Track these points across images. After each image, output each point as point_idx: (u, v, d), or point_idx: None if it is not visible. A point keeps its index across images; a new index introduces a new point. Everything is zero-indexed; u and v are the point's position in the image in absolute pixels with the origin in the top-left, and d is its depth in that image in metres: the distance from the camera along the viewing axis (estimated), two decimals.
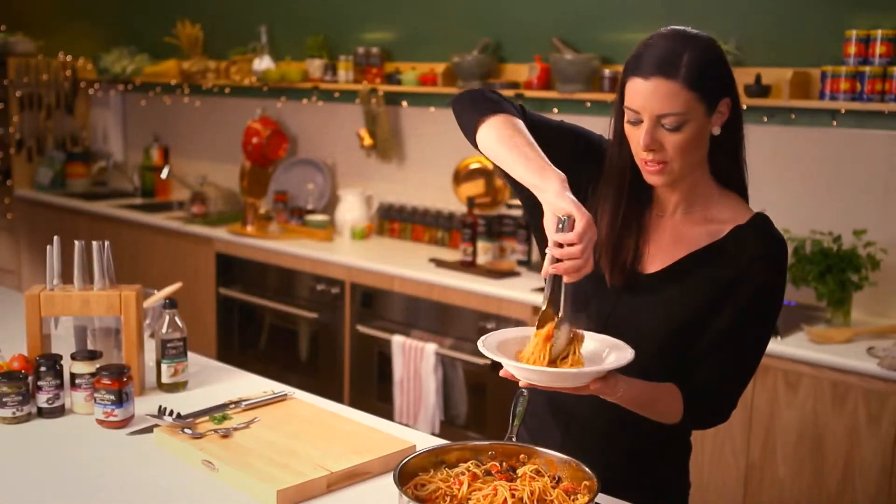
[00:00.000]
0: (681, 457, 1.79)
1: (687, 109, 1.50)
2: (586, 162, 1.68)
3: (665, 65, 1.49)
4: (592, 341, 1.55)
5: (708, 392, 1.61)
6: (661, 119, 1.51)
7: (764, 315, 1.61)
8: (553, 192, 1.44)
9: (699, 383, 1.60)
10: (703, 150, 1.58)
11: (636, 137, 1.55)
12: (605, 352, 1.54)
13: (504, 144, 1.56)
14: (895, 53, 2.98)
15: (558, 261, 1.42)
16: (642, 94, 1.51)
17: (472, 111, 1.65)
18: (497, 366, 1.51)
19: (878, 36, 2.98)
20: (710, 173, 1.64)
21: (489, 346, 1.51)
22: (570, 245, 1.40)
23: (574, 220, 1.40)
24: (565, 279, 1.44)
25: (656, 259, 1.65)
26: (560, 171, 1.47)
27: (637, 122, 1.54)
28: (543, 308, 1.47)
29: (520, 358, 1.50)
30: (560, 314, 1.46)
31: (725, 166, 1.64)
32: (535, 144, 1.55)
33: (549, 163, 1.50)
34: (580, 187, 1.67)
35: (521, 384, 1.50)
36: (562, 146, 1.65)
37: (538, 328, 1.48)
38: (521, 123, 1.60)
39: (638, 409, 1.58)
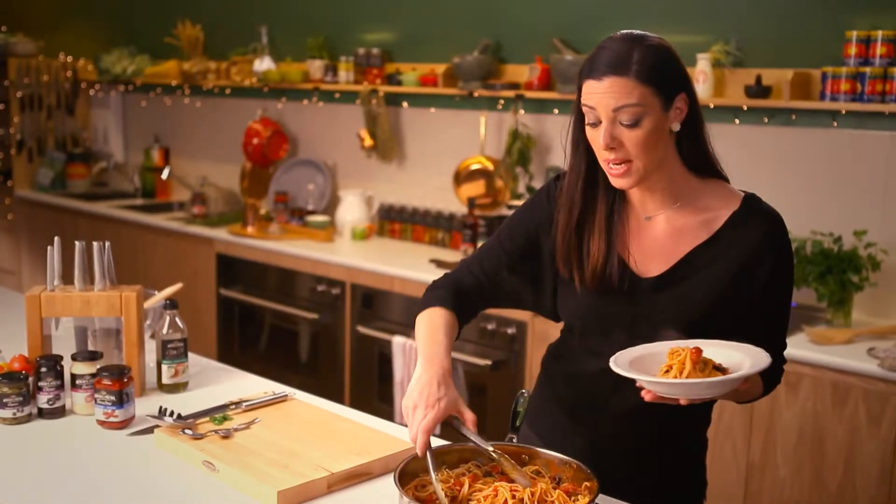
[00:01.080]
0: (701, 452, 1.81)
1: (641, 101, 1.52)
2: (550, 215, 1.73)
3: (616, 64, 1.52)
4: (721, 349, 1.55)
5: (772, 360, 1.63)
6: (618, 114, 1.53)
7: (786, 282, 1.67)
8: (414, 378, 1.58)
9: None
10: (664, 146, 1.59)
11: (597, 139, 1.57)
12: (736, 356, 1.54)
13: (417, 337, 1.69)
14: (895, 54, 2.98)
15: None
16: (597, 93, 1.54)
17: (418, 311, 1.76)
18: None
19: (878, 37, 2.98)
20: (685, 168, 1.66)
21: (624, 366, 1.51)
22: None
23: None
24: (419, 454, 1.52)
25: (658, 260, 1.65)
26: (438, 363, 1.58)
27: (596, 123, 1.56)
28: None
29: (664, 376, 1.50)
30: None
31: (696, 160, 1.66)
32: (437, 332, 1.66)
33: (435, 353, 1.61)
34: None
35: (682, 400, 1.49)
36: (521, 252, 1.76)
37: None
38: (435, 315, 1.70)
39: (744, 397, 1.65)
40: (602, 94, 1.53)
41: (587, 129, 1.59)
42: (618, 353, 1.55)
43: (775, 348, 1.65)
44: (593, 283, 1.65)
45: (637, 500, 1.65)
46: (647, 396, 1.49)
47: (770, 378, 1.70)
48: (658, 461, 1.73)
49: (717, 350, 1.53)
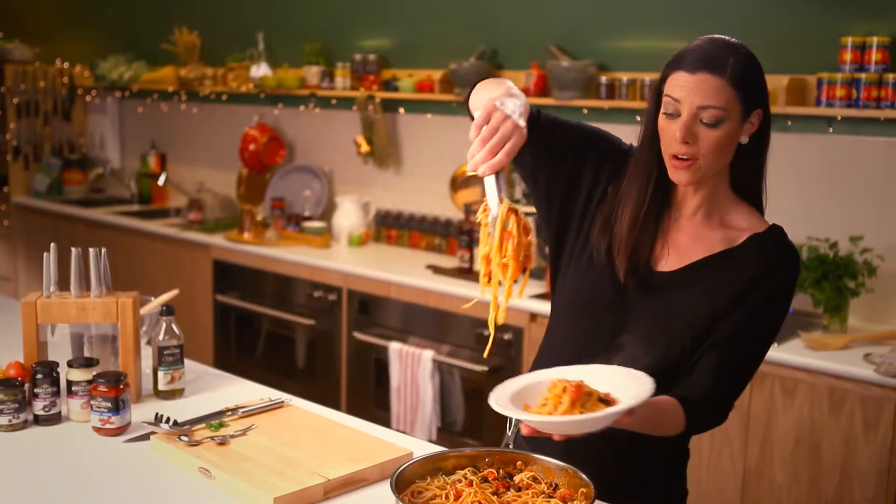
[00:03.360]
0: (679, 463, 1.79)
1: (727, 106, 1.53)
2: (609, 162, 1.71)
3: (712, 62, 1.53)
4: (604, 374, 1.53)
5: (708, 397, 1.62)
6: (701, 112, 1.53)
7: (769, 320, 1.63)
8: (503, 91, 1.54)
9: (699, 389, 1.61)
10: (730, 155, 1.60)
11: (671, 130, 1.56)
12: (620, 383, 1.51)
13: (478, 89, 1.68)
14: (891, 60, 2.99)
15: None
16: (686, 86, 1.53)
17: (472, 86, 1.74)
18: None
19: (873, 43, 2.99)
20: (729, 183, 1.66)
21: (502, 402, 1.46)
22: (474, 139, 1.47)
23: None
24: (479, 172, 1.50)
25: (673, 258, 1.67)
26: (507, 82, 1.57)
27: (675, 115, 1.56)
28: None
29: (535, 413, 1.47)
30: (496, 205, 1.50)
31: (745, 178, 1.66)
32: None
33: (518, 90, 1.59)
34: (598, 186, 1.71)
35: (554, 437, 1.46)
36: (584, 146, 1.71)
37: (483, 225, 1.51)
38: (507, 81, 1.67)
39: (649, 431, 1.58)
40: (691, 88, 1.53)
41: (661, 118, 1.58)
42: (498, 388, 1.51)
43: (725, 386, 1.62)
44: (633, 278, 1.65)
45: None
46: (524, 430, 1.46)
47: (700, 418, 1.63)
48: (632, 465, 1.72)
49: (602, 378, 1.50)
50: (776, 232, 1.65)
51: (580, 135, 1.74)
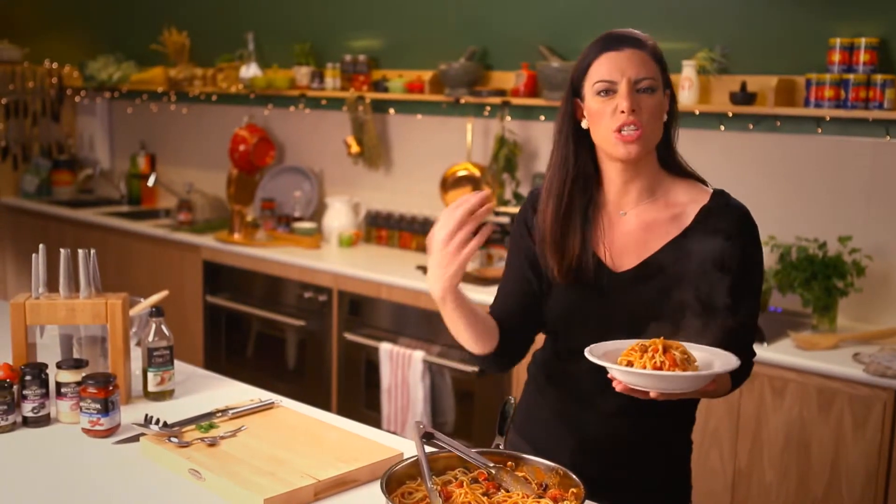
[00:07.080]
0: (685, 456, 1.82)
1: (656, 76, 1.63)
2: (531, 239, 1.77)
3: (633, 40, 1.64)
4: (696, 351, 1.58)
5: (740, 347, 1.65)
6: (637, 84, 1.61)
7: (753, 273, 1.69)
8: None
9: (731, 345, 1.62)
10: (662, 126, 1.67)
11: (608, 109, 1.61)
12: (705, 357, 1.56)
13: None
14: (878, 61, 3.01)
15: None
16: (618, 62, 1.62)
17: None
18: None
19: (861, 44, 3.00)
20: (659, 164, 1.73)
21: (597, 354, 1.53)
22: None
23: None
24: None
25: (629, 255, 1.69)
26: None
27: (610, 92, 1.61)
28: None
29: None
30: None
31: (664, 154, 1.73)
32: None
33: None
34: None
35: (652, 394, 1.50)
36: (521, 266, 1.78)
37: None
38: None
39: (715, 396, 1.66)
40: (624, 64, 1.61)
41: (595, 101, 1.63)
42: (592, 346, 1.57)
43: (744, 340, 1.68)
44: (570, 275, 1.68)
45: (623, 502, 1.66)
46: (617, 387, 1.52)
47: (739, 372, 1.69)
48: (643, 463, 1.74)
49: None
50: (721, 196, 1.71)
51: (520, 281, 1.78)
